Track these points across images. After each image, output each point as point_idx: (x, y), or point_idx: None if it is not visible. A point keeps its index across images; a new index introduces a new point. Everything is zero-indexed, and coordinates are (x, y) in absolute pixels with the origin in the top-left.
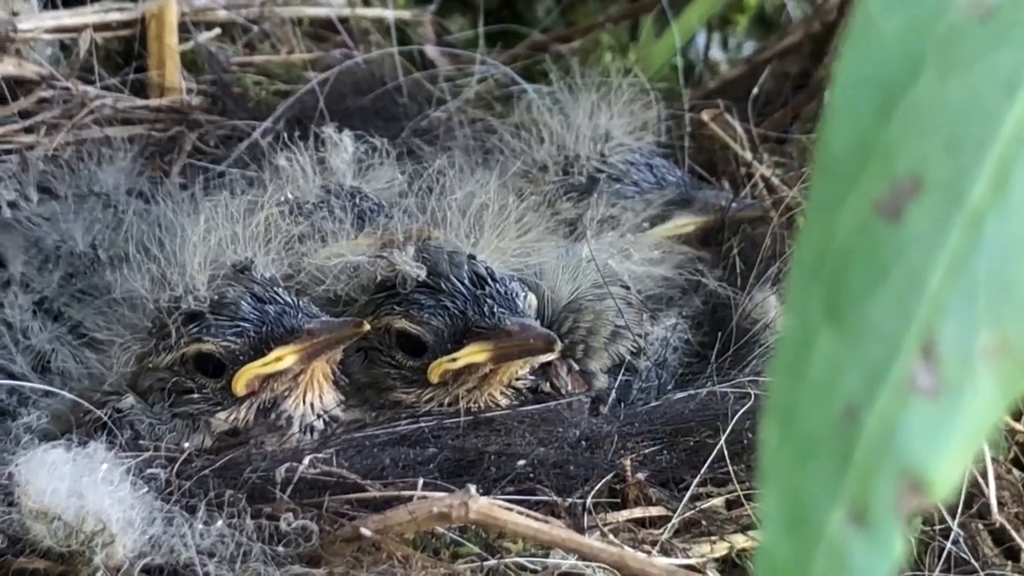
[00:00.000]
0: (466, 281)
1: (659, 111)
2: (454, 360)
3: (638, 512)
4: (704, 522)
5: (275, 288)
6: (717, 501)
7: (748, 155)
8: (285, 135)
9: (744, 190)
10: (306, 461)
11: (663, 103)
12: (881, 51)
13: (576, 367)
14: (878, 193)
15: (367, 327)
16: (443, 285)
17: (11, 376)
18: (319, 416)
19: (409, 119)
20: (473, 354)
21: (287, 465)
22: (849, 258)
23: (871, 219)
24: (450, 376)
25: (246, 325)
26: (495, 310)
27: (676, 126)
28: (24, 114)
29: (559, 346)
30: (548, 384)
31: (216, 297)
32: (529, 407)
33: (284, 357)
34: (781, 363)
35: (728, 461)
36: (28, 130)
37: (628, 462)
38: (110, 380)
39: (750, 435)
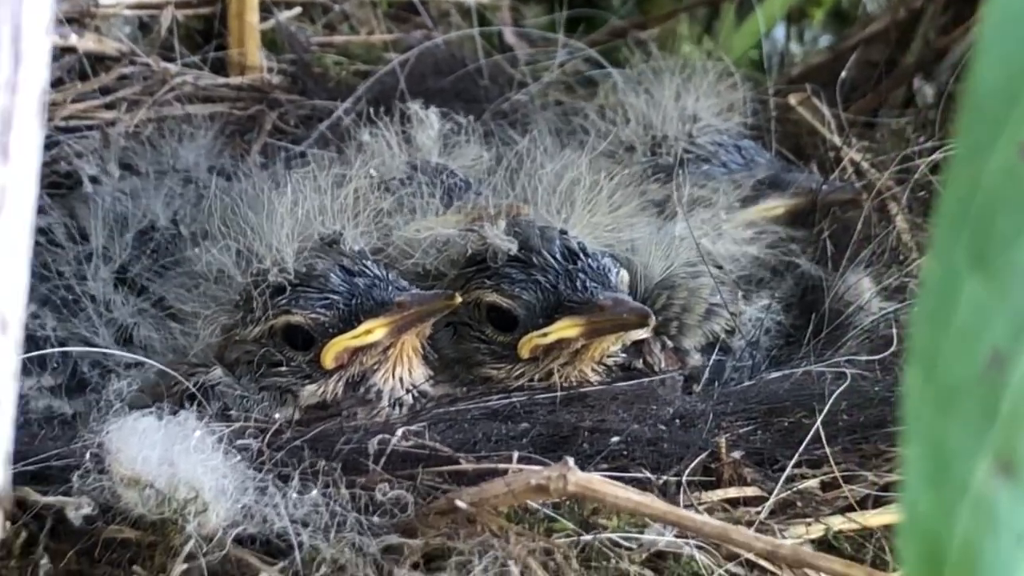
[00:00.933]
0: (558, 255)
1: (745, 93)
2: (545, 335)
3: (732, 492)
4: (799, 503)
5: (364, 260)
6: (812, 482)
7: (836, 139)
8: (370, 111)
9: (833, 174)
10: (399, 433)
11: (748, 85)
12: None
13: (670, 344)
14: None
15: (459, 299)
16: (535, 259)
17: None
18: (408, 391)
19: (490, 101)
20: (565, 329)
21: (380, 437)
22: (996, 203)
23: (1020, 162)
24: (541, 351)
25: (335, 297)
26: (587, 284)
27: (762, 110)
28: (104, 90)
29: (653, 321)
30: (641, 361)
31: (304, 269)
32: (623, 383)
33: (374, 330)
34: (925, 310)
35: (824, 442)
36: (109, 106)
37: (723, 441)
38: (194, 352)
39: (846, 416)
